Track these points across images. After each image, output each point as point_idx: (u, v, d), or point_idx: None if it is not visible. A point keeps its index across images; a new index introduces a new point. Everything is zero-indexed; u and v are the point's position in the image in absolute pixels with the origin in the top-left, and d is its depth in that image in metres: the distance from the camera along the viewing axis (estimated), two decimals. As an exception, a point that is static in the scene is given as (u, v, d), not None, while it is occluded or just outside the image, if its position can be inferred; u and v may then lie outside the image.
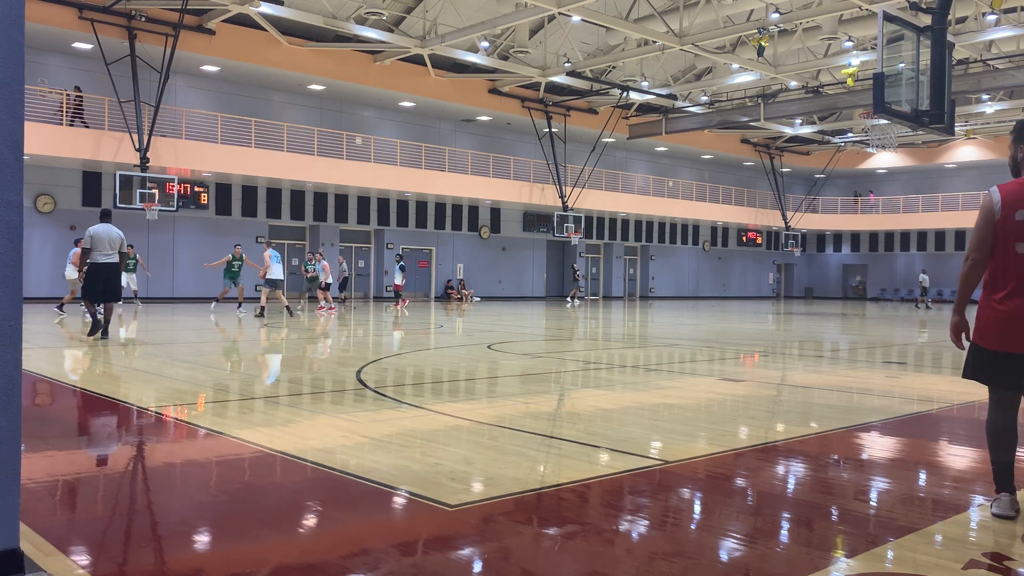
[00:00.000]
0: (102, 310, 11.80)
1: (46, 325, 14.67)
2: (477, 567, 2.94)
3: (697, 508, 3.76)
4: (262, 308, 19.06)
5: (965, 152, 41.41)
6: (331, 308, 21.39)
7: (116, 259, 11.49)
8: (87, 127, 23.00)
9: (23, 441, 4.13)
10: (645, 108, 34.94)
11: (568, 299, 31.20)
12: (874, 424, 5.93)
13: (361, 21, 24.99)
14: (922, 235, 44.94)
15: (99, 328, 11.63)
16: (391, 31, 25.70)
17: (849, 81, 26.14)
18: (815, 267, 50.06)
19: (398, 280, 25.12)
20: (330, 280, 21.53)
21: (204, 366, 8.96)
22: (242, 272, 19.81)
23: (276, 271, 18.80)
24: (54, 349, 10.66)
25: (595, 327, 17.69)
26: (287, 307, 19.17)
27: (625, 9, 25.82)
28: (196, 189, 26.65)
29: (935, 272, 44.42)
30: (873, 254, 47.19)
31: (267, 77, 26.62)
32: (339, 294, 27.34)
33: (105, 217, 11.74)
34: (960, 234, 43.51)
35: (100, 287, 11.46)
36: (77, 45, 23.10)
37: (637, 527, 3.43)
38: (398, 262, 25.62)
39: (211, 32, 24.03)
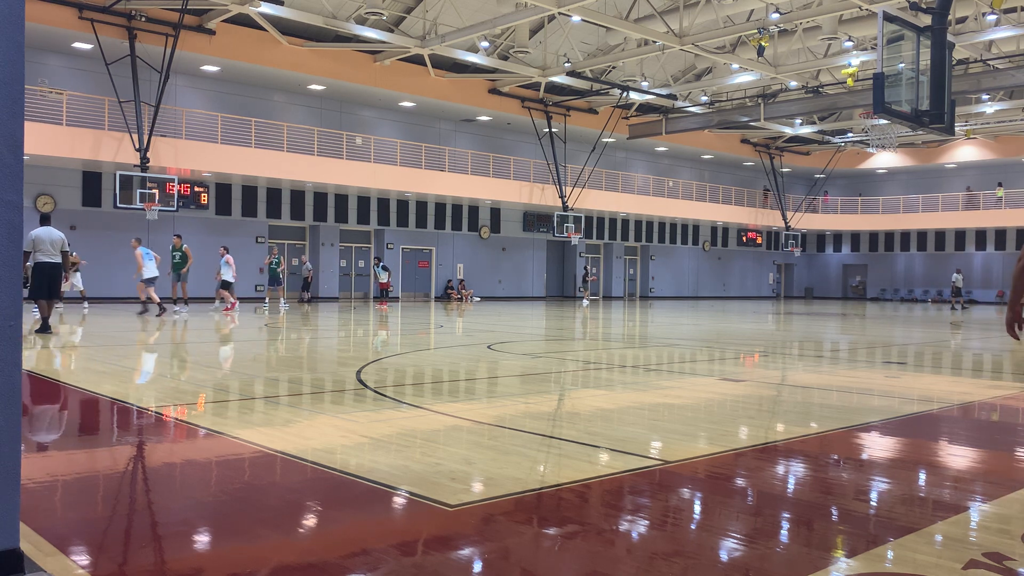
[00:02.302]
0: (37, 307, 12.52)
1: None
2: (477, 567, 2.94)
3: (697, 508, 3.76)
4: (144, 305, 18.83)
5: (965, 152, 41.39)
6: (228, 307, 20.55)
7: (59, 259, 12.32)
8: None
9: (23, 441, 4.13)
10: (645, 108, 34.95)
11: (583, 300, 31.65)
12: (874, 424, 5.93)
13: (361, 21, 25.00)
14: (922, 235, 44.95)
15: (48, 328, 12.33)
16: (391, 31, 25.71)
17: (849, 81, 26.16)
18: (815, 267, 50.07)
19: (383, 279, 25.79)
20: (229, 279, 20.63)
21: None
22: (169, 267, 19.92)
23: (150, 269, 18.21)
24: (51, 349, 10.66)
25: (595, 327, 17.69)
26: (159, 304, 18.53)
27: (625, 9, 25.82)
28: (196, 189, 26.66)
29: (935, 273, 44.45)
30: (873, 254, 47.19)
31: (267, 77, 26.62)
32: (304, 294, 27.20)
33: (45, 221, 12.69)
34: (960, 234, 43.52)
35: (46, 286, 12.20)
36: (77, 45, 23.10)
37: (637, 527, 3.43)
38: (377, 264, 26.19)
39: (211, 32, 24.04)
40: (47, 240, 12.17)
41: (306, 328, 15.87)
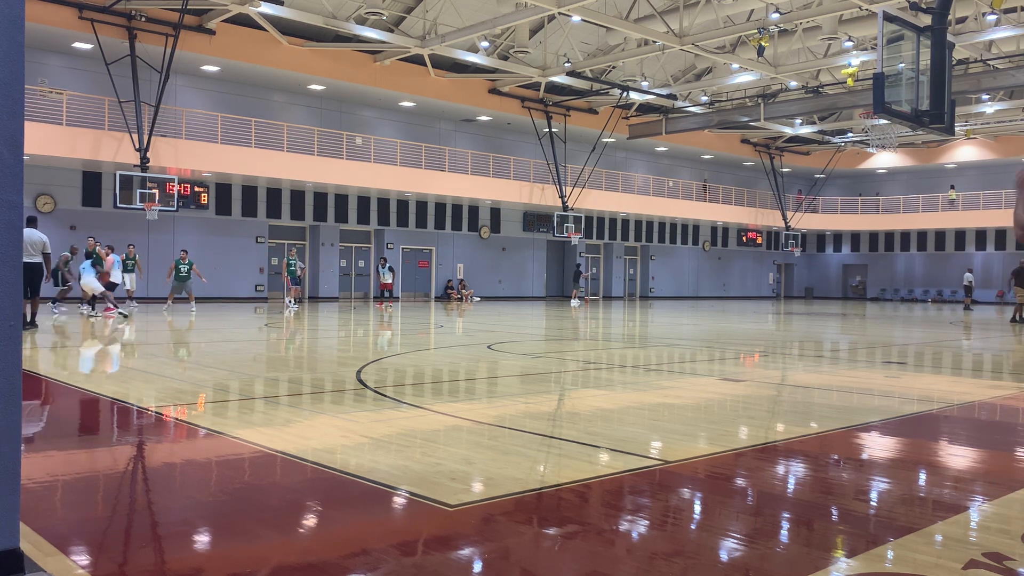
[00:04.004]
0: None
1: (45, 324, 14.66)
2: (477, 567, 2.94)
3: (697, 508, 3.76)
4: None
5: (965, 152, 41.40)
6: (107, 310, 19.02)
7: (39, 260, 12.82)
8: None
9: (23, 441, 4.13)
10: (645, 108, 34.94)
11: (575, 299, 31.40)
12: (874, 424, 5.93)
13: (361, 21, 24.99)
14: (922, 235, 44.94)
15: (29, 326, 12.89)
16: (391, 31, 25.71)
17: (849, 81, 26.15)
18: (815, 267, 50.07)
19: (388, 280, 25.58)
20: (116, 280, 19.78)
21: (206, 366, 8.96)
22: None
23: None
24: (52, 349, 10.67)
25: (595, 327, 17.69)
26: None
27: (625, 9, 25.82)
28: (196, 189, 26.66)
29: (935, 272, 44.45)
30: (873, 254, 47.19)
31: (267, 77, 26.62)
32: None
33: (31, 223, 13.31)
34: (960, 234, 43.51)
35: (25, 285, 12.51)
36: (77, 45, 23.10)
37: (637, 527, 3.43)
38: (383, 264, 25.95)
39: (211, 32, 24.03)
40: (27, 241, 12.55)
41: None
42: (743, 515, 3.61)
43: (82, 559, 2.94)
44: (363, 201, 30.95)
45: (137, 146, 22.92)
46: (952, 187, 42.86)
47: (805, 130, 37.93)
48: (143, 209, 22.97)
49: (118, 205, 22.78)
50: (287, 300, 24.54)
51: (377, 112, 30.70)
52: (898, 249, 46.11)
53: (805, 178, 47.17)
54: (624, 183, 38.02)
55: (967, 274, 34.32)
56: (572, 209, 33.86)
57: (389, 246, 31.78)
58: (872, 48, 27.06)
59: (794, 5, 25.34)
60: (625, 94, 30.79)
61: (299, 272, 24.01)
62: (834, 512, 3.69)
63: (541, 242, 37.22)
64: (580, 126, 33.99)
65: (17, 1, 2.47)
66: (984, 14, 24.12)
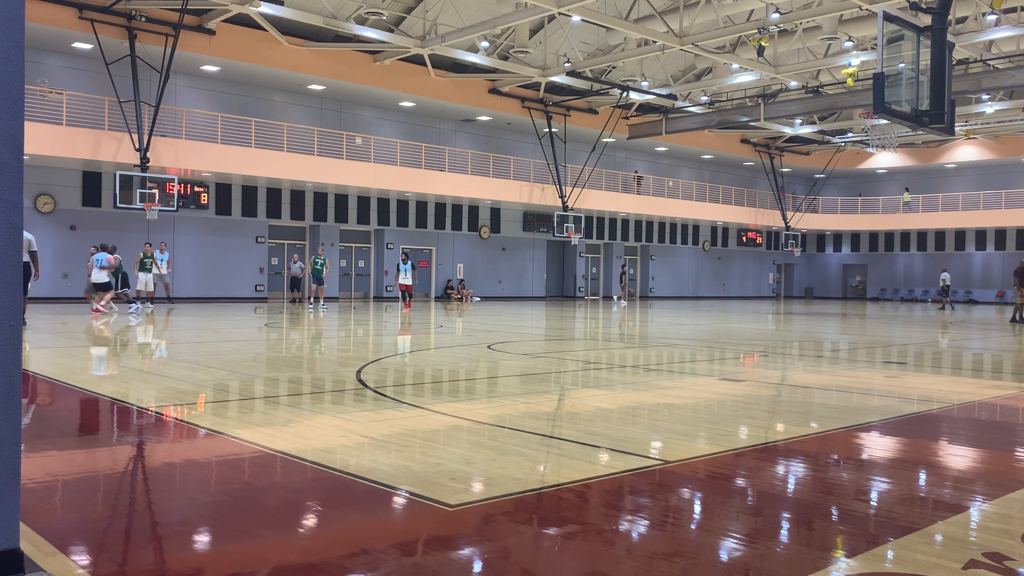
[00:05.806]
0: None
1: (45, 324, 14.66)
2: (477, 567, 2.94)
3: (697, 508, 3.76)
4: None
5: (965, 152, 41.40)
6: (94, 309, 18.18)
7: (27, 259, 12.77)
8: None
9: (23, 441, 4.13)
10: (645, 108, 34.94)
11: (617, 299, 31.75)
12: (874, 424, 5.93)
13: (361, 21, 25.00)
14: (922, 235, 44.94)
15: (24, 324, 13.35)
16: (391, 31, 25.71)
17: (849, 81, 26.14)
18: (815, 267, 50.07)
19: (409, 280, 23.74)
20: (97, 280, 18.48)
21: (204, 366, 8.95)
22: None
23: None
24: (53, 349, 10.67)
25: (595, 327, 17.68)
26: None
27: (625, 9, 25.82)
28: (196, 189, 26.66)
29: (935, 273, 44.44)
30: (873, 254, 47.19)
31: (267, 77, 26.62)
32: (295, 293, 26.80)
33: None
34: (960, 234, 43.52)
35: None
36: (77, 45, 23.10)
37: (637, 527, 3.43)
38: (405, 262, 24.06)
39: (211, 32, 24.03)
40: None
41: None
42: (743, 515, 3.61)
43: (82, 559, 2.94)
44: (363, 201, 30.94)
45: (137, 146, 22.92)
46: (907, 189, 43.45)
47: (805, 130, 37.93)
48: (143, 209, 22.97)
49: (118, 205, 22.78)
50: (311, 300, 24.49)
51: (377, 112, 30.70)
52: (898, 249, 46.12)
53: (805, 178, 47.17)
54: (624, 183, 38.02)
55: (943, 274, 34.42)
56: (572, 209, 33.86)
57: (389, 246, 31.77)
58: (872, 48, 27.06)
59: (794, 5, 25.34)
60: (625, 94, 30.78)
61: (325, 272, 24.08)
62: (834, 512, 3.69)
63: (541, 242, 37.22)
64: (580, 126, 33.98)
65: (17, 1, 2.47)
66: (984, 14, 24.12)
